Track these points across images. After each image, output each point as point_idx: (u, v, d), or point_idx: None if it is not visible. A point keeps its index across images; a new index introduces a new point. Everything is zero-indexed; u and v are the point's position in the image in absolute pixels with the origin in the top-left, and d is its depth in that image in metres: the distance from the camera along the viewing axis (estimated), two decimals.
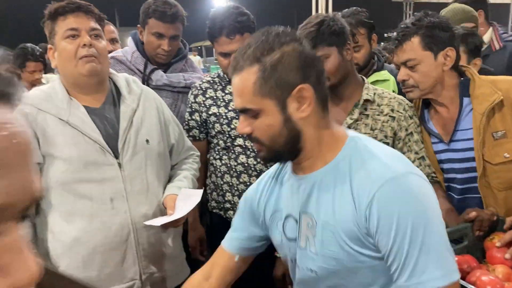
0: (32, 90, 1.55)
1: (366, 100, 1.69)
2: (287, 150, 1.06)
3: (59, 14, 1.46)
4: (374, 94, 1.71)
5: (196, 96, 2.02)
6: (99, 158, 1.47)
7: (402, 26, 1.64)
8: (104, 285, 1.46)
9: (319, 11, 15.59)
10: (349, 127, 1.68)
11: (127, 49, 2.22)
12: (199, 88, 2.04)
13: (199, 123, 2.02)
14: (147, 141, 1.57)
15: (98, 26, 1.51)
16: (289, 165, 1.17)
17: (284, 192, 1.16)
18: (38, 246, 1.51)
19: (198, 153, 1.84)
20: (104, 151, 1.48)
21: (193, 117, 2.03)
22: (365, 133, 1.66)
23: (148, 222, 1.47)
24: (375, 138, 1.64)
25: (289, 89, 1.00)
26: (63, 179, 1.43)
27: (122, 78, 1.63)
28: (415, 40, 1.59)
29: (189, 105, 2.05)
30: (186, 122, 2.04)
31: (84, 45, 1.45)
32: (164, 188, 1.62)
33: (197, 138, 2.03)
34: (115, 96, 1.59)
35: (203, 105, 2.00)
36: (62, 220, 1.46)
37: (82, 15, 1.47)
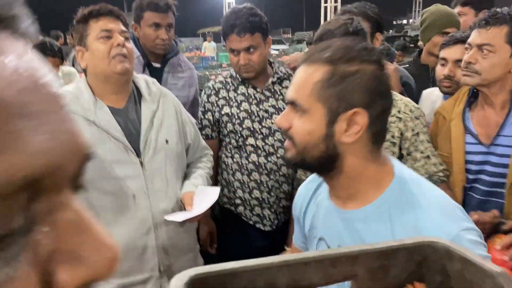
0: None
1: None
2: (318, 165, 0.99)
3: (92, 16, 1.55)
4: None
5: (209, 96, 2.10)
6: (123, 157, 1.56)
7: (498, 10, 1.60)
8: (125, 276, 1.56)
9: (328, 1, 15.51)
10: None
11: None
12: (212, 88, 2.11)
13: (212, 122, 2.10)
14: (167, 141, 1.65)
15: (126, 29, 1.60)
16: (324, 187, 1.10)
17: (321, 213, 1.10)
18: None
19: (212, 153, 1.93)
20: (128, 150, 1.57)
21: (206, 116, 2.11)
22: None
23: (168, 217, 1.56)
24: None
25: (346, 107, 0.92)
26: (90, 176, 1.52)
27: (142, 79, 1.71)
28: (504, 29, 1.55)
29: (202, 104, 2.13)
30: (199, 121, 2.12)
31: (118, 44, 1.53)
32: (182, 185, 1.71)
33: (210, 136, 2.11)
34: (136, 97, 1.67)
35: (215, 105, 2.08)
36: None
37: (113, 18, 1.56)
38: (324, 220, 1.07)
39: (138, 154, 1.59)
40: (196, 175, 1.76)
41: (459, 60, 1.85)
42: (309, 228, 1.14)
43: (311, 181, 1.19)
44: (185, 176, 1.78)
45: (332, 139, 0.94)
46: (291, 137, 0.98)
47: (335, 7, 15.46)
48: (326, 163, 0.97)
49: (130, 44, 1.61)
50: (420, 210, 0.92)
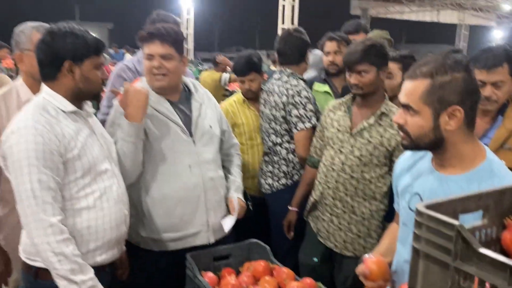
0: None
1: (383, 113, 2.19)
2: (429, 147, 1.36)
3: (142, 40, 2.02)
4: (390, 110, 2.20)
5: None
6: (181, 136, 2.05)
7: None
8: (183, 229, 2.05)
9: (285, 21, 16.38)
10: (363, 128, 2.21)
11: (135, 58, 2.83)
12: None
13: None
14: (210, 126, 2.15)
15: (169, 51, 2.00)
16: (425, 158, 1.46)
17: (420, 175, 1.46)
18: (132, 203, 2.05)
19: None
20: (184, 132, 2.05)
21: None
22: (374, 137, 2.18)
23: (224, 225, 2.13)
24: (381, 143, 2.16)
25: (446, 106, 1.27)
26: (159, 151, 2.02)
27: (189, 81, 2.22)
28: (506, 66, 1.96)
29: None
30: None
31: (154, 67, 2.00)
32: (220, 160, 2.23)
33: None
34: (187, 93, 2.17)
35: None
36: (152, 181, 2.03)
37: (157, 42, 1.99)
38: (422, 180, 1.44)
39: (191, 135, 2.07)
40: (236, 175, 2.32)
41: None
42: (404, 186, 1.53)
43: (411, 155, 1.56)
44: (227, 166, 2.33)
45: (438, 129, 1.30)
46: (406, 131, 1.36)
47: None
48: (435, 145, 1.35)
49: (172, 63, 2.02)
50: (504, 180, 1.25)
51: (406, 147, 1.42)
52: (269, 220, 2.84)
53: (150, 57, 2.00)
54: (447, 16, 32.75)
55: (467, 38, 28.31)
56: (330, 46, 2.95)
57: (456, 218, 0.85)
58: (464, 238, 0.71)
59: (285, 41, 2.74)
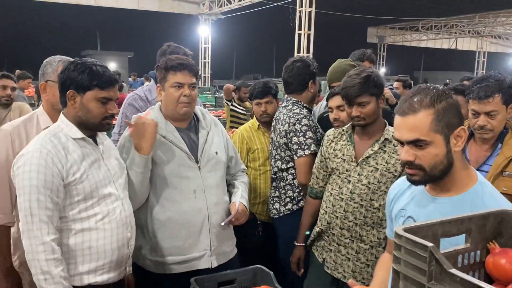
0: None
1: (386, 139, 2.21)
2: (441, 176, 1.36)
3: (171, 69, 2.10)
4: (392, 136, 2.18)
5: None
6: (187, 162, 2.10)
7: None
8: (187, 252, 2.08)
9: (301, 50, 16.62)
10: (369, 156, 2.23)
11: (146, 88, 2.94)
12: None
13: None
14: (216, 152, 2.21)
15: (195, 81, 2.14)
16: None
17: (414, 199, 1.50)
18: (139, 225, 2.09)
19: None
20: (190, 158, 2.11)
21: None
22: (380, 164, 2.19)
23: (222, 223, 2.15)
24: (388, 170, 2.19)
25: (453, 129, 1.34)
26: (165, 175, 2.07)
27: (198, 109, 2.29)
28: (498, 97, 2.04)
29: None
30: None
31: (185, 95, 2.09)
32: (226, 185, 2.27)
33: None
34: (195, 121, 2.24)
35: None
36: (158, 204, 2.08)
37: (187, 72, 2.11)
38: (415, 204, 1.48)
39: (197, 161, 2.13)
40: (240, 187, 2.33)
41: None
42: (398, 210, 1.56)
43: (405, 180, 1.54)
44: (233, 183, 2.36)
45: (450, 153, 1.35)
46: (419, 165, 1.35)
47: (307, 58, 16.49)
48: (447, 171, 1.37)
49: (195, 91, 2.15)
50: (495, 204, 1.28)
51: (418, 182, 1.41)
52: (277, 244, 2.84)
53: (179, 85, 2.09)
54: (465, 43, 32.83)
55: (485, 65, 28.19)
56: None
57: (437, 241, 0.88)
58: (436, 259, 0.73)
59: (286, 71, 2.82)
